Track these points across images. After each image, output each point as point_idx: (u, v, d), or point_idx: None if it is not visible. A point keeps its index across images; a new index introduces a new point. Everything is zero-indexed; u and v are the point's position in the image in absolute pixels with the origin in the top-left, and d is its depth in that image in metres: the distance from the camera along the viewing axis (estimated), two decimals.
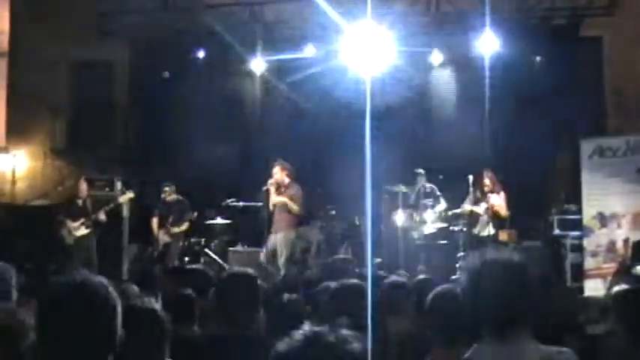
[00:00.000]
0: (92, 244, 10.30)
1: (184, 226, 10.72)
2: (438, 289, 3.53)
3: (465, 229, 10.13)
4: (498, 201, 9.90)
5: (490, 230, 9.93)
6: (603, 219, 9.61)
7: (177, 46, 11.81)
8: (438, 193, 10.46)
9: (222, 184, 11.27)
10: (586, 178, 9.71)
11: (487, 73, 10.27)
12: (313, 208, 10.84)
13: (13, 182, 12.72)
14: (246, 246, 10.68)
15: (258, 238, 9.90)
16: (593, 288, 9.22)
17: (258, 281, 3.77)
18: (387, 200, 10.64)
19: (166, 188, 10.74)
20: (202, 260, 10.80)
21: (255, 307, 3.64)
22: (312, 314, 4.23)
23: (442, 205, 10.42)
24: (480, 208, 10.00)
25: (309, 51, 11.25)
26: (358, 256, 9.18)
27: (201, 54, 11.93)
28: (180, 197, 10.81)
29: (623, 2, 10.82)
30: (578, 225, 9.81)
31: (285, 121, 11.92)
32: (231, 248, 10.85)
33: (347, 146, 9.25)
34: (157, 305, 2.94)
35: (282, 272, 8.89)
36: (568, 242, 9.89)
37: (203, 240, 11.18)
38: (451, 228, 10.36)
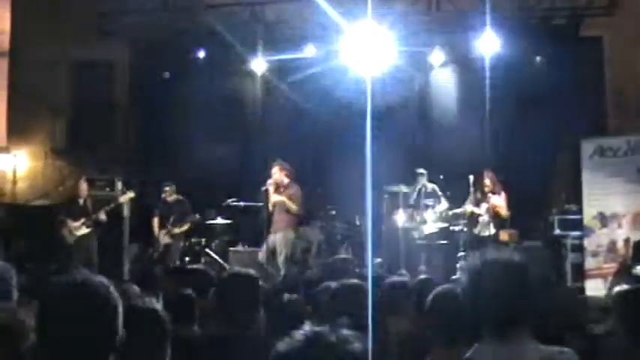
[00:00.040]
0: (93, 243, 10.31)
1: (185, 227, 10.73)
2: (439, 289, 3.53)
3: (465, 229, 10.14)
4: (499, 201, 9.91)
5: (491, 230, 9.94)
6: (604, 219, 9.61)
7: (177, 46, 11.80)
8: (440, 193, 10.45)
9: (222, 184, 11.27)
10: (587, 178, 9.71)
11: (488, 73, 10.27)
12: (313, 208, 10.85)
13: (14, 182, 12.71)
14: (246, 246, 10.68)
15: (258, 238, 9.90)
16: (594, 288, 9.22)
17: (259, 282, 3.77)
18: (387, 200, 10.63)
19: (167, 188, 10.75)
20: (203, 260, 10.80)
21: (255, 308, 3.64)
22: (313, 314, 4.23)
23: (443, 205, 10.42)
24: (481, 209, 10.00)
25: (309, 51, 11.24)
26: (358, 256, 9.20)
27: (201, 54, 11.92)
28: (181, 197, 10.81)
29: (623, 2, 10.81)
30: (578, 225, 9.81)
31: (286, 121, 11.92)
32: (231, 248, 10.86)
33: (347, 146, 9.25)
34: (158, 305, 2.94)
35: (282, 272, 8.90)
36: (569, 242, 9.89)
37: (204, 240, 11.18)
38: (452, 228, 10.36)
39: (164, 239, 10.68)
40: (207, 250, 11.13)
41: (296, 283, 5.85)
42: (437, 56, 11.27)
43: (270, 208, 9.47)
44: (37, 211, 11.73)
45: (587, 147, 9.76)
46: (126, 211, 10.98)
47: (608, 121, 11.30)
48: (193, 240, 11.13)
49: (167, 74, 12.02)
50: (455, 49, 11.23)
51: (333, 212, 10.95)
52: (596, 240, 9.66)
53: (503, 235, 9.81)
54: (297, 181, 9.69)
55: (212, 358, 3.46)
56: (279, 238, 9.43)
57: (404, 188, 10.57)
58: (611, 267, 9.37)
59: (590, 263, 9.65)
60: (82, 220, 10.20)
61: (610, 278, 9.08)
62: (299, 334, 1.56)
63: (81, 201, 10.38)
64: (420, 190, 10.59)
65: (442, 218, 10.45)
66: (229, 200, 10.77)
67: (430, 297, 3.47)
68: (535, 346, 2.48)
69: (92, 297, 2.02)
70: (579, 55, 11.12)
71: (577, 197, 9.93)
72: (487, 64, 10.38)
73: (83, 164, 11.95)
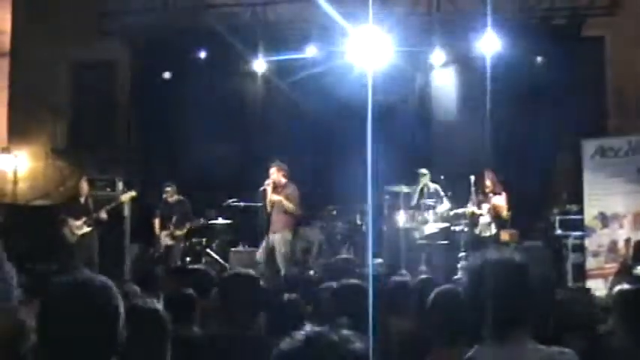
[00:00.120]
0: (94, 242, 10.33)
1: (186, 229, 10.73)
2: (440, 289, 3.54)
3: (466, 229, 10.13)
4: (500, 201, 9.91)
5: (492, 230, 9.95)
6: (605, 219, 9.61)
7: (178, 46, 11.79)
8: (442, 193, 10.45)
9: (223, 184, 11.26)
10: (588, 178, 9.71)
11: (488, 74, 10.25)
12: (314, 208, 10.85)
13: (15, 182, 12.73)
14: (247, 246, 10.68)
15: (259, 238, 9.90)
16: (595, 288, 9.20)
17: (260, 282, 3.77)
18: (388, 200, 10.63)
19: (168, 189, 10.75)
20: (204, 260, 10.81)
21: (256, 308, 3.64)
22: (313, 314, 4.23)
23: (445, 205, 10.41)
24: (482, 209, 10.01)
25: (310, 51, 11.24)
26: (359, 256, 9.18)
27: (202, 54, 11.91)
28: (182, 198, 10.81)
29: (624, 2, 10.81)
30: (579, 225, 9.81)
31: (286, 122, 11.91)
32: (232, 248, 10.86)
33: (348, 146, 9.25)
34: (159, 305, 2.94)
35: (282, 272, 8.91)
36: (569, 242, 9.88)
37: (204, 240, 11.19)
38: (452, 228, 10.35)
39: (165, 240, 10.69)
40: (207, 250, 11.13)
41: (296, 283, 5.85)
42: (438, 56, 11.26)
43: (268, 208, 9.54)
44: (37, 211, 11.75)
45: (588, 147, 9.76)
46: (126, 211, 10.99)
47: (608, 121, 11.29)
48: (194, 240, 11.13)
49: (167, 74, 12.01)
50: (456, 50, 11.22)
51: (334, 212, 10.95)
52: (597, 240, 9.66)
53: (504, 236, 9.81)
54: (297, 181, 9.73)
55: (213, 358, 3.46)
56: (277, 238, 9.51)
57: (405, 188, 10.56)
58: (612, 267, 9.36)
59: (591, 263, 9.65)
60: (84, 219, 10.22)
61: (611, 278, 9.06)
62: (299, 334, 1.56)
63: (82, 200, 10.40)
64: (422, 189, 10.59)
65: (443, 218, 10.44)
66: (230, 200, 10.77)
67: (431, 297, 3.47)
68: (536, 346, 2.48)
69: (94, 297, 2.01)
70: (580, 55, 11.12)
71: (578, 197, 9.93)
72: (488, 64, 10.37)
73: (84, 164, 11.96)
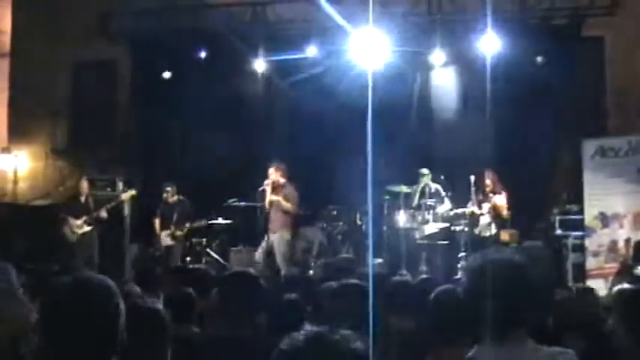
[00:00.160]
0: (94, 241, 10.35)
1: (187, 228, 10.73)
2: (440, 289, 3.53)
3: (466, 229, 10.14)
4: (501, 201, 9.91)
5: (492, 230, 9.95)
6: (605, 219, 9.61)
7: (178, 46, 11.78)
8: (443, 193, 10.45)
9: (223, 184, 11.26)
10: (588, 178, 9.71)
11: (489, 74, 10.24)
12: (315, 208, 10.86)
13: (15, 182, 12.74)
14: (247, 246, 10.68)
15: (259, 239, 9.92)
16: (595, 288, 9.20)
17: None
18: (388, 200, 10.63)
19: (168, 189, 10.74)
20: (204, 260, 10.82)
21: (257, 308, 3.64)
22: (314, 314, 4.23)
23: (446, 205, 10.41)
24: (483, 209, 10.01)
25: (310, 51, 11.23)
26: (359, 256, 9.19)
27: (202, 54, 11.91)
28: (182, 198, 10.81)
29: (624, 2, 10.80)
30: (579, 225, 9.80)
31: (286, 122, 11.91)
32: (233, 248, 10.87)
33: (348, 146, 9.24)
34: (159, 305, 2.94)
35: (283, 272, 8.91)
36: (570, 242, 9.89)
37: (204, 240, 11.20)
38: (453, 228, 10.36)
39: (166, 240, 10.69)
40: (208, 250, 11.13)
41: (296, 283, 5.85)
42: (438, 56, 11.24)
43: (267, 208, 9.58)
44: (37, 211, 11.75)
45: (589, 147, 9.76)
46: (127, 210, 11.00)
47: (609, 121, 11.29)
48: (194, 240, 11.13)
49: (167, 74, 12.01)
50: (456, 50, 11.21)
51: (335, 212, 10.95)
52: (597, 240, 9.66)
53: (504, 236, 9.82)
54: (297, 181, 9.79)
55: (213, 357, 3.45)
56: (276, 237, 9.60)
57: (405, 188, 10.57)
58: (612, 267, 9.36)
59: (591, 263, 9.66)
60: (84, 218, 10.23)
61: (611, 278, 9.06)
62: (301, 334, 1.56)
63: (82, 199, 10.42)
64: (423, 189, 10.59)
65: (443, 218, 10.45)
66: (230, 200, 10.77)
67: (431, 297, 3.47)
68: (536, 346, 2.48)
69: (94, 297, 2.01)
70: (580, 55, 11.12)
71: (578, 197, 9.93)
72: (488, 64, 10.36)
73: (84, 164, 11.97)
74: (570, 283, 9.41)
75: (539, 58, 10.94)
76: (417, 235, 10.47)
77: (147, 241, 11.10)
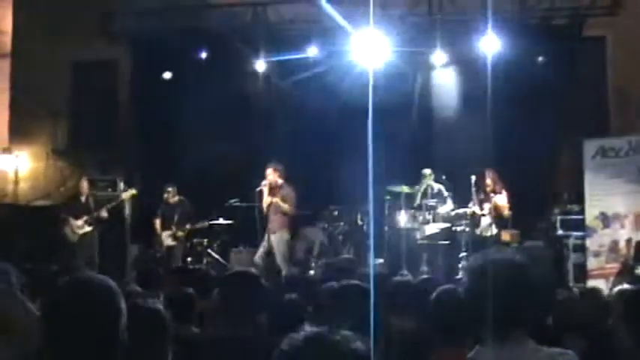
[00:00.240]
0: (95, 242, 10.35)
1: (188, 229, 10.73)
2: (441, 289, 3.53)
3: (467, 229, 10.13)
4: (502, 201, 9.91)
5: (493, 230, 9.94)
6: (606, 219, 9.61)
7: (178, 46, 11.78)
8: (446, 194, 10.44)
9: (224, 185, 11.26)
10: (589, 178, 9.71)
11: (489, 74, 10.24)
12: (316, 209, 10.85)
13: (16, 182, 12.75)
14: (247, 247, 10.68)
15: (259, 239, 9.92)
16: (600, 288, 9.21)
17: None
18: (389, 201, 10.63)
19: (169, 189, 10.75)
20: (205, 261, 10.82)
21: (257, 308, 3.64)
22: (314, 314, 4.23)
23: (448, 205, 10.40)
24: (484, 209, 10.01)
25: (311, 51, 11.23)
26: (360, 256, 9.19)
27: (203, 54, 11.90)
28: (183, 198, 10.82)
29: (625, 2, 10.80)
30: (580, 225, 9.81)
31: (287, 122, 11.90)
32: (233, 249, 10.87)
33: (349, 146, 9.22)
34: (160, 305, 2.94)
35: (283, 272, 8.92)
36: (571, 242, 9.89)
37: (205, 240, 11.19)
38: (454, 228, 10.35)
39: (167, 241, 10.69)
40: (209, 250, 11.13)
41: (297, 283, 5.85)
42: (439, 57, 11.24)
43: (265, 209, 9.58)
44: (38, 211, 11.76)
45: (590, 147, 9.76)
46: (127, 210, 11.00)
47: (610, 121, 11.29)
48: (195, 240, 11.13)
49: (168, 74, 12.00)
50: (456, 50, 11.21)
51: (336, 212, 10.95)
52: (598, 240, 9.66)
53: (505, 236, 9.81)
54: (298, 181, 9.78)
55: (213, 357, 3.45)
56: (275, 238, 9.60)
57: (406, 188, 10.57)
58: (613, 267, 9.36)
59: (592, 263, 9.66)
60: (84, 218, 10.24)
61: (612, 278, 9.06)
62: (300, 335, 1.56)
63: (83, 199, 10.42)
64: (425, 189, 10.59)
65: (444, 218, 10.44)
66: (231, 201, 10.77)
67: (432, 297, 3.47)
68: (536, 347, 2.47)
69: (95, 297, 2.01)
70: (581, 55, 11.12)
71: (579, 197, 9.93)
72: (489, 64, 10.36)
73: (84, 164, 11.98)
74: (571, 284, 9.41)
75: (539, 58, 10.93)
76: (418, 235, 10.47)
77: (147, 241, 11.10)
